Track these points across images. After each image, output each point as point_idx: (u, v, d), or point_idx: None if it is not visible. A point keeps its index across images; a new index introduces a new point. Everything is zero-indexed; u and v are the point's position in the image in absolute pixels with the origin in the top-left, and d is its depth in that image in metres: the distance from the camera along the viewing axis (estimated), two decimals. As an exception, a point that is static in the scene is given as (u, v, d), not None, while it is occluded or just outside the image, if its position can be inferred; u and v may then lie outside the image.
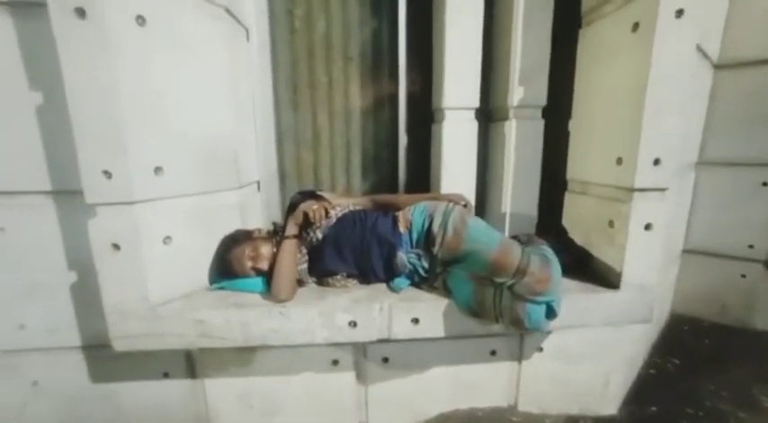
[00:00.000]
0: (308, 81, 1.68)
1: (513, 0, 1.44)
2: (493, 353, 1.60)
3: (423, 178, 1.67)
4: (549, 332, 1.54)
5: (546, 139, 1.66)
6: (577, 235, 1.52)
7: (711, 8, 2.01)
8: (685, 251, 2.59)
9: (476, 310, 1.17)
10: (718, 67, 2.34)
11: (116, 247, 1.11)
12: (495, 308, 1.11)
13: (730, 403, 1.80)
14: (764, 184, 2.30)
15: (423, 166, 1.68)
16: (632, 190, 1.22)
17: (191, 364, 1.49)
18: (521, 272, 1.05)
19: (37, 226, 1.33)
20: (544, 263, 1.07)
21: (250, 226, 1.50)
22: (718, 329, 2.45)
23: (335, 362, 1.51)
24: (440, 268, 1.26)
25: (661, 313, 2.43)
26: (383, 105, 1.72)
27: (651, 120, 1.16)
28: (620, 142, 1.25)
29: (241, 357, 1.46)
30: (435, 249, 1.23)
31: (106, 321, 1.16)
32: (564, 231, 1.58)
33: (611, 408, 1.71)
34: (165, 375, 1.49)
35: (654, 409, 1.77)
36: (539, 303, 1.07)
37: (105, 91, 1.02)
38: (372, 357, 1.53)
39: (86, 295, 1.38)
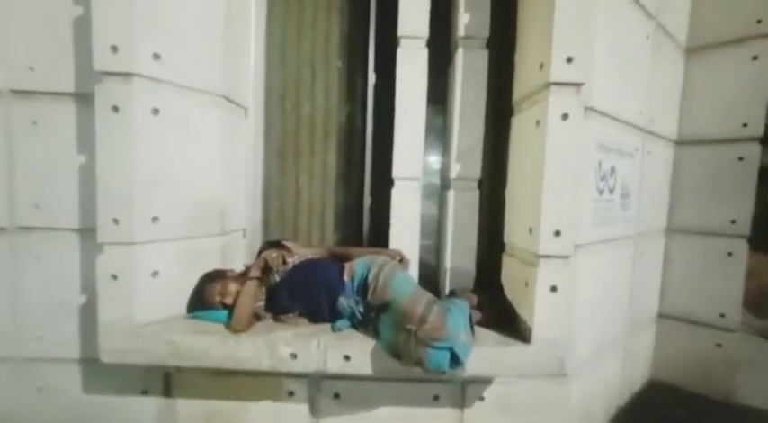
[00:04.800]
0: (294, 150, 2.06)
1: (454, 96, 1.78)
2: (436, 398, 1.74)
3: (382, 232, 1.94)
4: (490, 380, 1.67)
5: (493, 206, 1.91)
6: (508, 292, 1.70)
7: (662, 93, 2.27)
8: (661, 315, 2.63)
9: (393, 351, 1.37)
10: (678, 143, 2.54)
11: (114, 277, 1.43)
12: (405, 350, 1.31)
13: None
14: (729, 253, 2.38)
15: (382, 222, 1.96)
16: (539, 256, 1.43)
17: (167, 383, 1.72)
18: (422, 320, 1.27)
19: (64, 256, 1.69)
20: (441, 314, 1.28)
21: (232, 266, 1.80)
22: (696, 399, 2.41)
23: (291, 393, 1.71)
24: (373, 313, 1.49)
25: (632, 377, 2.44)
26: (353, 172, 2.05)
27: (549, 199, 1.40)
28: (530, 214, 1.48)
29: (210, 381, 1.69)
30: (369, 296, 1.46)
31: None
32: (500, 288, 1.76)
33: (556, 463, 1.76)
34: (145, 392, 1.73)
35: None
36: (438, 349, 1.26)
37: (123, 162, 1.40)
38: (325, 392, 1.71)
39: (93, 316, 1.69)
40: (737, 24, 2.32)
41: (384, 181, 1.97)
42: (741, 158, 2.34)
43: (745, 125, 2.31)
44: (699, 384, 2.48)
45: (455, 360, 1.29)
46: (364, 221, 2.01)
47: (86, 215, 1.68)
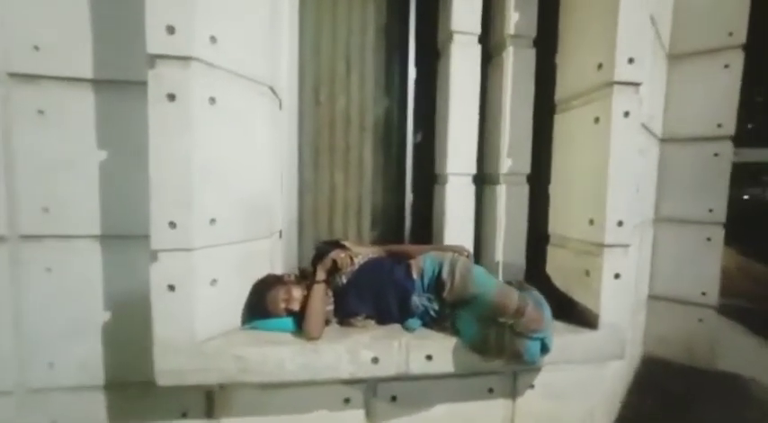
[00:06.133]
0: (328, 145, 1.96)
1: (502, 92, 1.81)
2: (490, 390, 1.76)
3: (424, 230, 1.92)
4: (539, 368, 1.73)
5: (533, 200, 1.97)
6: (558, 282, 1.78)
7: (653, 95, 2.49)
8: (651, 297, 2.90)
9: (480, 347, 1.37)
10: (662, 140, 2.80)
11: (171, 288, 1.26)
12: (497, 344, 1.31)
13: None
14: (708, 239, 2.69)
15: (424, 219, 1.94)
16: (603, 246, 1.51)
17: (210, 403, 1.56)
18: (519, 312, 1.28)
19: (82, 267, 1.47)
20: (538, 305, 1.31)
21: (275, 271, 1.67)
22: (686, 371, 2.69)
23: (347, 400, 1.62)
24: (448, 310, 1.47)
25: (632, 355, 2.66)
26: (392, 168, 2.00)
27: (613, 191, 1.48)
28: (591, 207, 1.56)
29: (258, 397, 1.55)
30: (445, 293, 1.44)
31: (153, 357, 1.26)
32: (548, 279, 1.83)
33: (595, 441, 1.87)
34: (184, 415, 1.55)
35: (631, 442, 1.95)
36: (534, 340, 1.28)
37: (181, 157, 1.23)
38: (382, 396, 1.65)
39: (118, 334, 1.49)
40: (712, 36, 2.62)
41: (425, 177, 1.96)
42: (716, 154, 2.65)
43: (719, 125, 2.63)
44: (684, 356, 2.78)
45: (543, 349, 1.32)
46: (406, 219, 1.97)
47: (108, 220, 1.49)
